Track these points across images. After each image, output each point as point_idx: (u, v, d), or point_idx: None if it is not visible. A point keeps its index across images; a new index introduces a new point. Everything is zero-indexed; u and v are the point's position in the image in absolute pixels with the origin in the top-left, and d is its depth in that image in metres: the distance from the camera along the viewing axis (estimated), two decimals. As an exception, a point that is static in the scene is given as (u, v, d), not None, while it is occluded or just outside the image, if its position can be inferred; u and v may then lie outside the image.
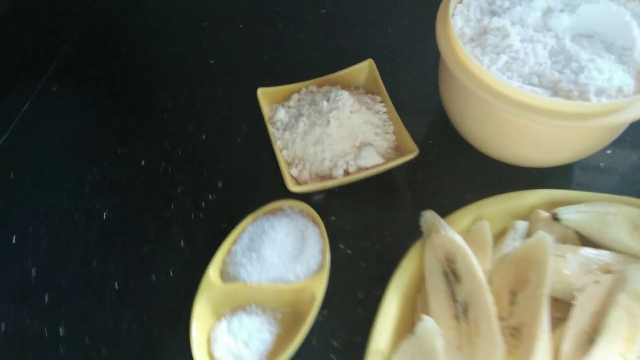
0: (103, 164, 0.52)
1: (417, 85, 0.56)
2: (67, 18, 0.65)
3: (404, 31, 0.61)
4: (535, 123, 0.38)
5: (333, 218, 0.47)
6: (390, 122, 0.47)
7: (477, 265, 0.38)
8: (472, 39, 0.42)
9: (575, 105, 0.36)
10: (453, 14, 0.43)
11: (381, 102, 0.49)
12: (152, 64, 0.61)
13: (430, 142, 0.51)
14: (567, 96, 0.37)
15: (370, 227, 0.46)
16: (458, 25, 0.42)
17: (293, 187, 0.43)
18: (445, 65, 0.41)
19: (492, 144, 0.45)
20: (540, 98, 0.36)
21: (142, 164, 0.52)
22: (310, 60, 0.59)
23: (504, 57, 0.40)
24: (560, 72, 0.39)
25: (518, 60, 0.40)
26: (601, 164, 0.49)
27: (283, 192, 0.46)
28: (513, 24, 0.42)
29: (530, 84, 0.39)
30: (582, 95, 0.37)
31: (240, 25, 0.63)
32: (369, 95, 0.50)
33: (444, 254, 0.39)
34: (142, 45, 0.63)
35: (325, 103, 0.45)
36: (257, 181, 0.50)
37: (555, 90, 0.38)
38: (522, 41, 0.41)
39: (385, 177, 0.49)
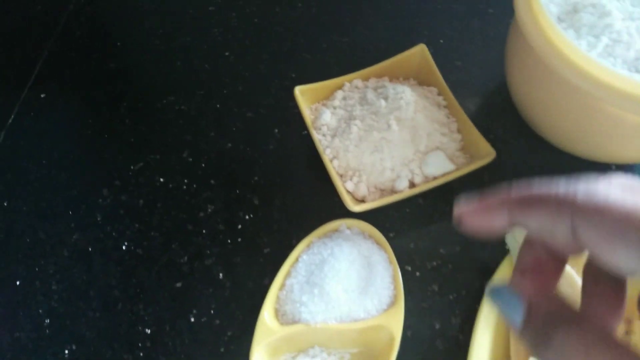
0: (114, 185, 0.45)
1: (468, 70, 0.49)
2: (47, 5, 0.56)
3: (443, 8, 0.54)
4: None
5: (392, 234, 0.40)
6: (454, 119, 0.41)
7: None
8: (560, 19, 0.35)
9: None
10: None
11: (439, 94, 0.42)
12: (155, 61, 0.52)
13: (492, 135, 0.44)
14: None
15: (438, 244, 0.40)
16: (541, 1, 0.35)
17: (354, 207, 0.36)
18: (527, 46, 0.35)
19: (578, 140, 0.39)
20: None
21: (161, 181, 0.44)
22: (339, 46, 0.52)
23: (604, 40, 0.33)
24: (677, 55, 0.32)
25: (621, 42, 0.33)
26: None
27: (335, 208, 0.39)
28: (606, -2, 0.35)
29: (637, 71, 0.33)
30: None
31: (254, 8, 0.55)
32: (424, 85, 0.43)
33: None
34: (140, 37, 0.54)
35: (383, 102, 0.38)
36: (300, 195, 0.43)
37: (671, 79, 0.32)
38: (623, 19, 0.34)
39: (449, 182, 0.42)
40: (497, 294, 0.19)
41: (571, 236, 0.17)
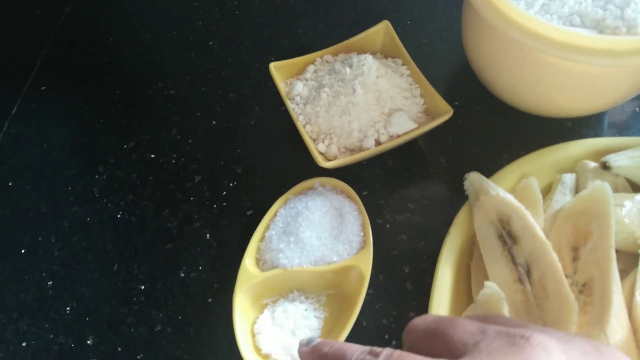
0: (109, 162, 0.48)
1: (434, 45, 0.53)
2: (46, 9, 0.61)
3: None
4: (583, 64, 0.35)
5: (365, 193, 0.44)
6: (417, 85, 0.45)
7: (535, 223, 0.35)
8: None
9: (625, 42, 0.34)
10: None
11: (403, 64, 0.46)
12: (146, 52, 0.56)
13: (457, 102, 0.48)
14: (615, 33, 0.35)
15: (406, 198, 0.44)
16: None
17: (323, 163, 0.40)
18: (475, 14, 0.38)
19: (527, 95, 0.42)
20: (588, 37, 0.34)
21: (152, 157, 0.48)
22: (315, 31, 0.56)
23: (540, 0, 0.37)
24: (604, 8, 0.36)
25: (555, 0, 0.37)
26: (637, 108, 0.47)
27: (310, 170, 0.43)
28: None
29: (572, 25, 0.36)
30: (631, 31, 0.35)
31: (235, 2, 0.59)
32: (389, 58, 0.47)
33: (497, 216, 0.37)
34: (131, 32, 0.59)
35: (348, 70, 0.42)
36: (279, 162, 0.47)
37: (600, 29, 0.36)
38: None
39: (414, 144, 0.46)
40: None
41: None
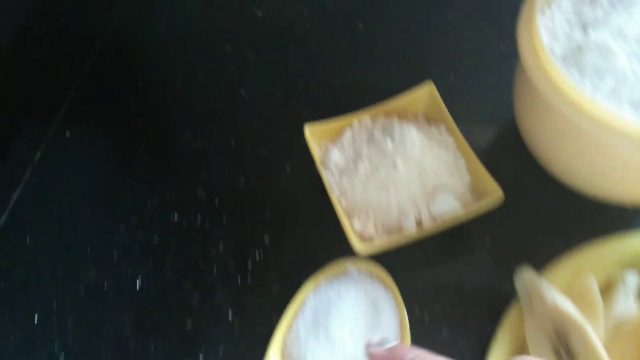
0: (131, 222, 0.46)
1: (481, 107, 0.49)
2: (73, 51, 0.59)
3: (454, 44, 0.54)
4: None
5: (400, 275, 0.40)
6: (463, 159, 0.41)
7: (596, 341, 0.31)
8: (564, 59, 0.35)
9: None
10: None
11: (447, 133, 0.42)
12: (175, 99, 0.54)
13: (506, 175, 0.44)
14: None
15: (448, 286, 0.40)
16: (544, 41, 0.35)
17: (361, 248, 0.36)
18: (535, 91, 0.34)
19: (589, 179, 0.38)
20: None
21: (175, 218, 0.46)
22: (352, 83, 0.52)
23: (609, 81, 0.33)
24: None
25: (627, 83, 0.33)
26: None
27: (344, 245, 0.39)
28: (613, 37, 0.35)
29: (647, 113, 0.32)
30: None
31: (269, 48, 0.57)
32: (432, 123, 0.43)
33: (554, 329, 0.32)
34: (161, 76, 0.56)
35: (389, 142, 0.39)
36: (310, 233, 0.43)
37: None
38: (628, 60, 0.33)
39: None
40: None
41: None
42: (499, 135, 0.47)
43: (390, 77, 0.52)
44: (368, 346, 0.22)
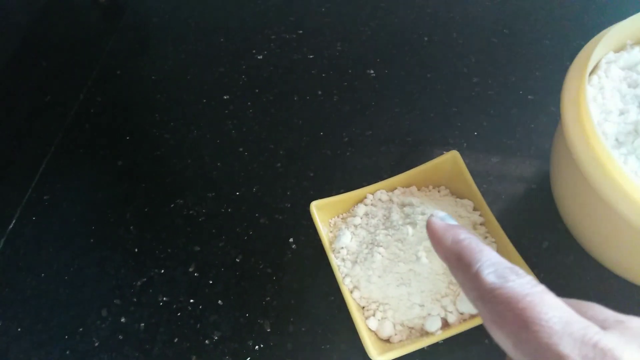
0: (114, 304, 0.41)
1: (507, 168, 0.43)
2: (58, 95, 0.54)
3: (477, 94, 0.49)
4: None
5: (423, 375, 0.35)
6: (493, 239, 0.36)
7: None
8: (618, 141, 0.30)
9: None
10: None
11: (474, 209, 0.37)
12: (165, 157, 0.49)
13: (539, 252, 0.39)
14: None
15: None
16: (594, 119, 0.30)
17: (376, 357, 0.31)
18: (579, 174, 0.29)
19: (634, 271, 0.33)
20: None
21: (165, 300, 0.40)
22: (362, 139, 0.47)
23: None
24: None
25: (695, 174, 0.28)
26: None
27: (356, 340, 0.34)
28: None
29: None
30: None
31: (271, 97, 0.52)
32: (457, 200, 0.38)
33: None
34: (150, 130, 0.51)
35: (410, 230, 0.33)
36: (317, 323, 0.38)
37: None
38: (697, 144, 0.29)
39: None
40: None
41: None
42: (533, 204, 0.42)
43: (406, 133, 0.47)
44: (431, 216, 0.22)
